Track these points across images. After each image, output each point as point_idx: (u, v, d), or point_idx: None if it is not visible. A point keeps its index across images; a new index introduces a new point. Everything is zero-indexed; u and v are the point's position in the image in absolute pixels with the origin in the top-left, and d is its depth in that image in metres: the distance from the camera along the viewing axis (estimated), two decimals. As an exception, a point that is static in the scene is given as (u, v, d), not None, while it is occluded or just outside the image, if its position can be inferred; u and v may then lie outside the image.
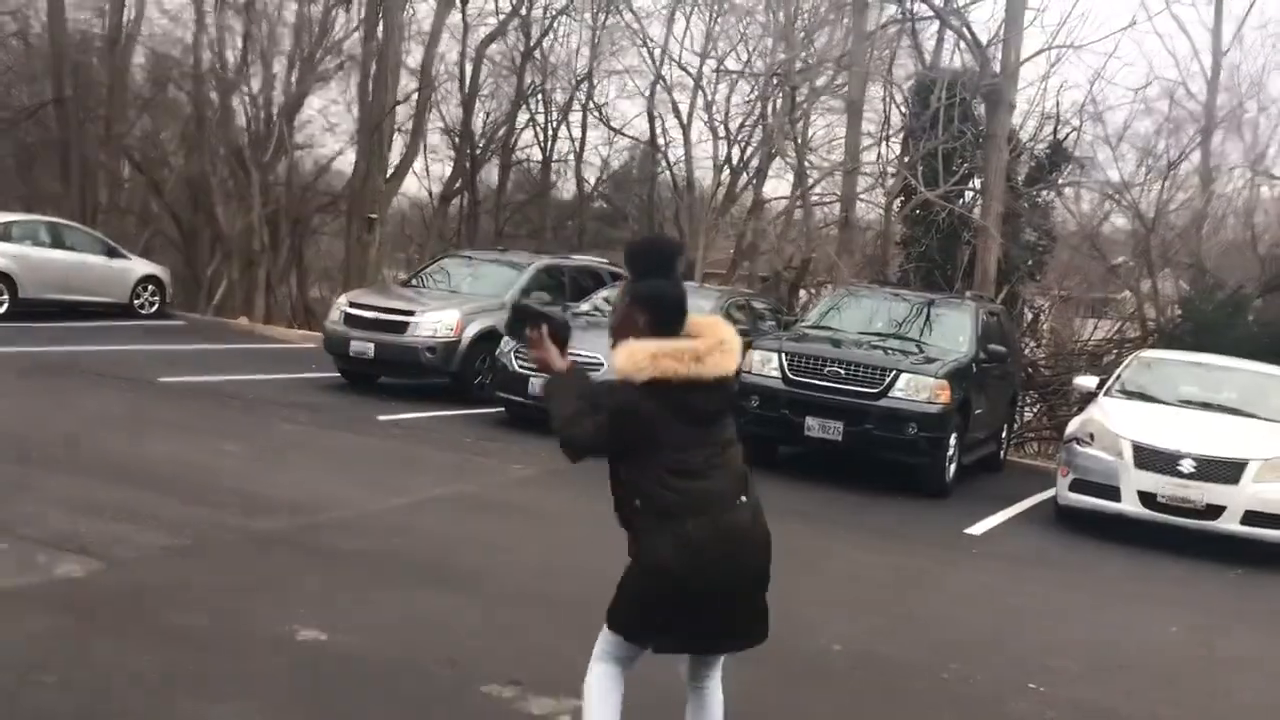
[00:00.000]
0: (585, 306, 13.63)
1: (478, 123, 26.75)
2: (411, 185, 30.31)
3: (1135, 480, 9.54)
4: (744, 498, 3.62)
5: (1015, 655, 6.20)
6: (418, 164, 27.12)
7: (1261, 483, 9.34)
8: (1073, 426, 10.50)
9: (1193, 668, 6.45)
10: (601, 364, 11.60)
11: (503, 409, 12.15)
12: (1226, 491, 9.32)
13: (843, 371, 10.69)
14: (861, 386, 10.61)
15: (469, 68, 25.17)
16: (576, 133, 27.64)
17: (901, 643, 6.16)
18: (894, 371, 10.61)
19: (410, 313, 13.09)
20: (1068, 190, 18.66)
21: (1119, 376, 11.32)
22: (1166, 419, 10.19)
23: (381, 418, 11.47)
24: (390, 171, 24.78)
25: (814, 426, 10.66)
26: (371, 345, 13.00)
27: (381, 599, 5.87)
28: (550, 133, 28.25)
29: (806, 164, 18.15)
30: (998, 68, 16.53)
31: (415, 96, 24.32)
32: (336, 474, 8.73)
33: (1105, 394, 10.93)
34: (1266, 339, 14.09)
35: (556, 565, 6.83)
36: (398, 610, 5.74)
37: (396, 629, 5.47)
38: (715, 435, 3.61)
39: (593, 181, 30.28)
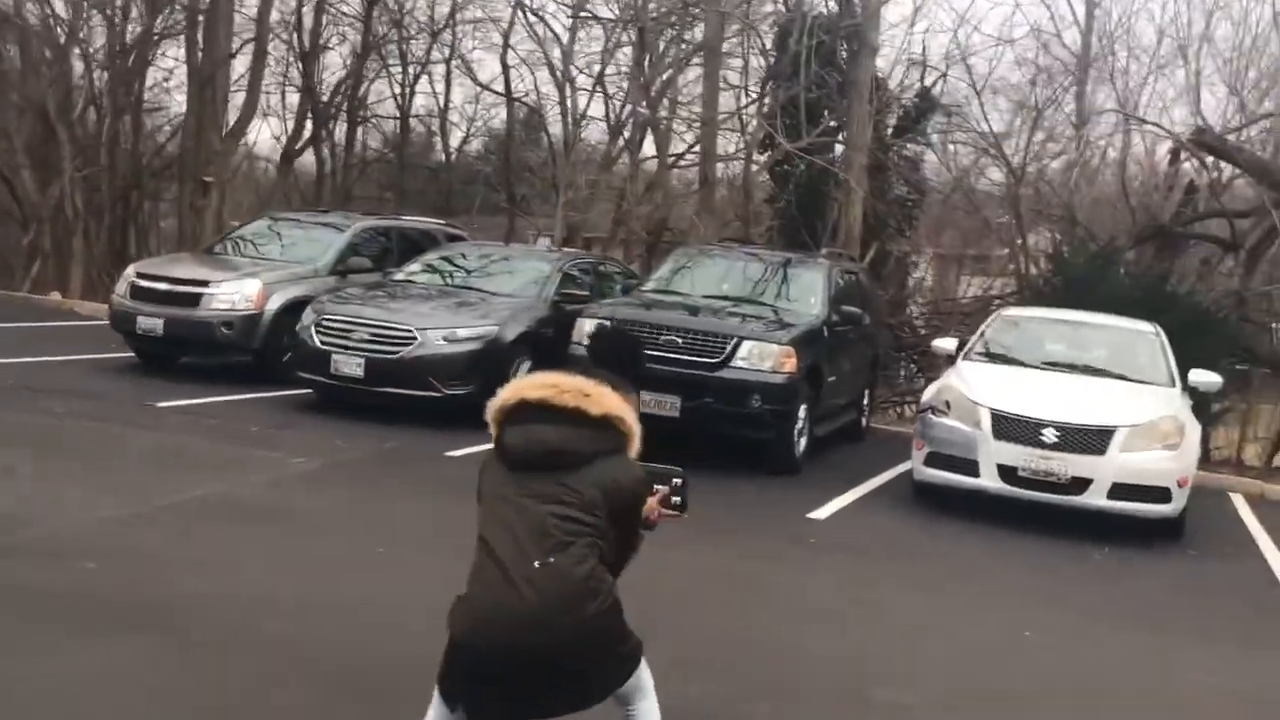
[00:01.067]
0: (414, 267, 12.29)
1: (328, 77, 25.05)
2: (270, 146, 28.43)
3: (995, 452, 8.62)
4: (550, 559, 3.17)
5: (840, 686, 5.14)
6: (275, 123, 25.34)
7: (1129, 452, 8.48)
8: (928, 394, 9.56)
9: (1048, 687, 5.46)
10: (414, 337, 10.35)
11: (311, 390, 10.78)
12: (1092, 463, 8.44)
13: (679, 340, 9.58)
14: (699, 356, 9.51)
15: (308, 17, 23.35)
16: (440, 87, 26.14)
17: (697, 679, 5.04)
18: (734, 339, 9.53)
19: (203, 283, 11.58)
20: (939, 142, 17.81)
21: (980, 337, 10.41)
22: (1029, 384, 9.29)
23: (162, 404, 10.02)
24: (226, 130, 22.99)
25: (649, 401, 9.44)
26: (160, 321, 11.48)
27: (21, 654, 4.54)
28: (407, 87, 26.61)
29: (664, 116, 16.92)
30: (860, 9, 15.54)
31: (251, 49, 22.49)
32: (63, 478, 7.30)
33: (964, 357, 10.00)
34: (1139, 292, 13.36)
35: (284, 595, 5.54)
36: (37, 670, 4.42)
37: (20, 701, 4.17)
38: (528, 489, 3.27)
39: (457, 141, 28.83)
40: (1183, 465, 8.64)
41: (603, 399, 3.37)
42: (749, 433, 9.59)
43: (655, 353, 9.54)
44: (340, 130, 25.33)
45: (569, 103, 19.25)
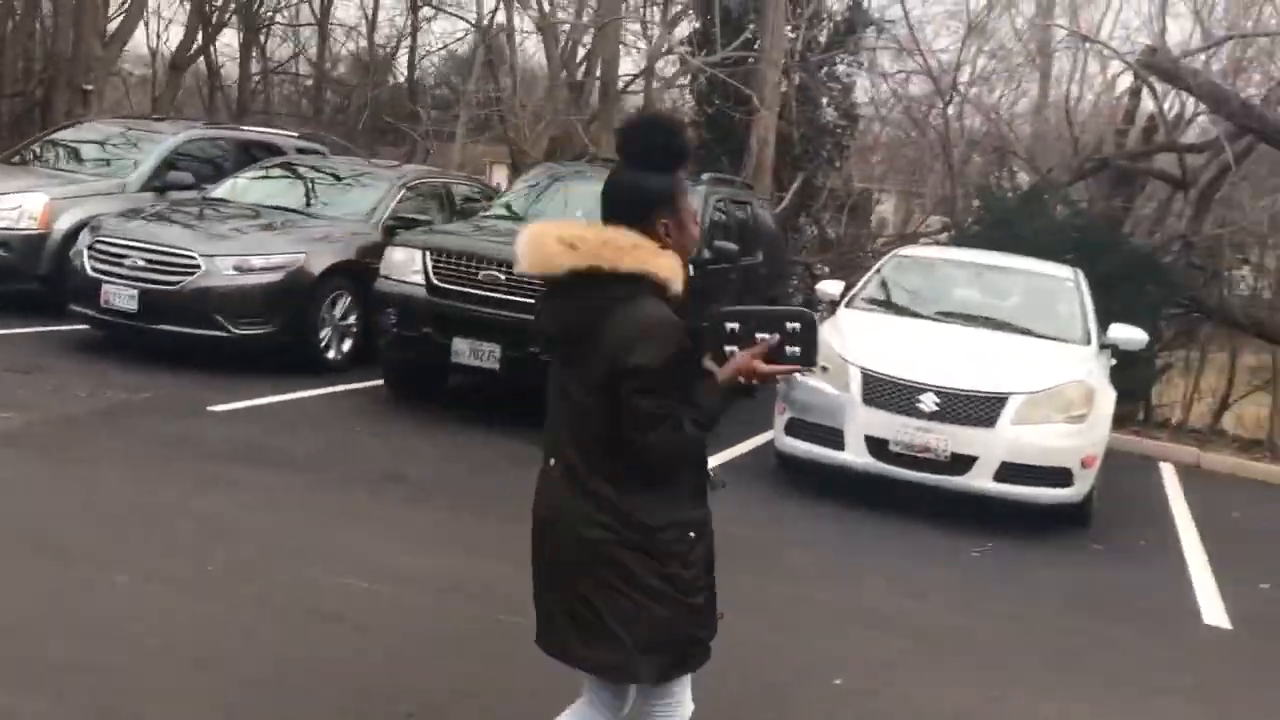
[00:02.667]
0: (232, 183, 10.58)
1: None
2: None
3: (863, 421, 7.10)
4: (552, 460, 2.75)
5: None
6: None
7: (1024, 424, 6.98)
8: (798, 348, 7.99)
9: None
10: (197, 265, 8.67)
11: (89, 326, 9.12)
12: (978, 437, 6.94)
13: (501, 276, 7.95)
14: (527, 296, 7.90)
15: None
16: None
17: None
18: (565, 275, 7.92)
19: (-28, 197, 9.86)
20: (870, 61, 16.08)
21: (869, 281, 8.84)
22: (913, 338, 7.76)
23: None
24: (109, 34, 21.04)
25: (464, 350, 7.94)
26: (-78, 241, 9.78)
27: None
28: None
29: (554, 19, 15.07)
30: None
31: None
32: None
33: (847, 304, 8.44)
34: (1076, 233, 11.82)
35: None
36: None
37: None
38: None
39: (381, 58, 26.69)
40: (1090, 441, 7.15)
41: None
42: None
43: (471, 290, 8.01)
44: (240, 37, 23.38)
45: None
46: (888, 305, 8.42)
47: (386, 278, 8.30)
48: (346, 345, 9.35)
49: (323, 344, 9.18)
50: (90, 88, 20.26)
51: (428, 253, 8.15)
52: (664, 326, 2.55)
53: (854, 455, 7.11)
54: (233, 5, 22.50)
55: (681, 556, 2.65)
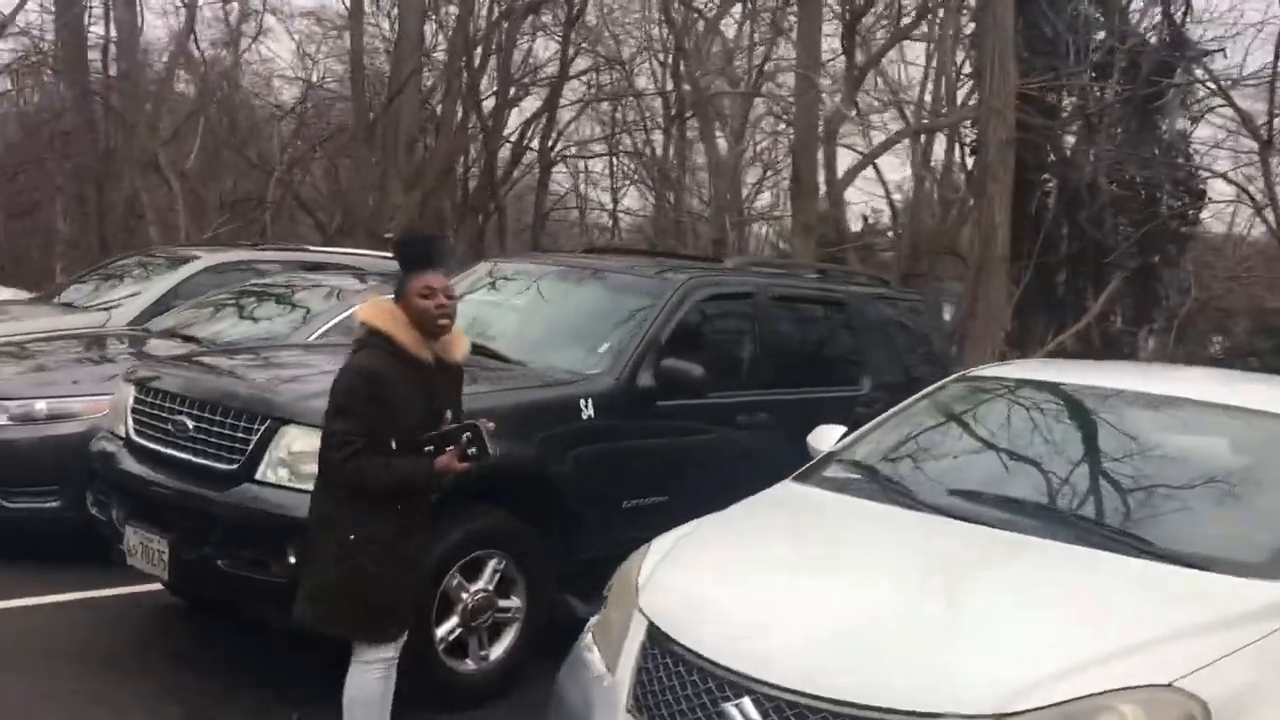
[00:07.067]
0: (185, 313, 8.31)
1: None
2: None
3: (625, 750, 3.08)
4: None
5: None
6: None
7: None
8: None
9: None
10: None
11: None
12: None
13: (190, 423, 4.79)
14: (211, 458, 4.68)
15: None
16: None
17: None
18: (265, 420, 4.55)
19: None
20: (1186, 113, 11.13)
21: (880, 427, 4.55)
22: (822, 561, 3.55)
23: None
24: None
25: (135, 546, 4.82)
26: None
27: None
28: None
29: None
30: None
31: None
32: None
33: (797, 477, 4.27)
34: None
35: None
36: None
37: None
38: None
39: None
40: None
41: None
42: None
43: (161, 450, 4.95)
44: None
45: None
46: (878, 479, 4.16)
47: (108, 430, 5.43)
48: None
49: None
50: (390, 235, 19.74)
51: (133, 388, 5.19)
52: (364, 372, 3.53)
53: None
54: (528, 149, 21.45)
55: (374, 558, 3.55)
